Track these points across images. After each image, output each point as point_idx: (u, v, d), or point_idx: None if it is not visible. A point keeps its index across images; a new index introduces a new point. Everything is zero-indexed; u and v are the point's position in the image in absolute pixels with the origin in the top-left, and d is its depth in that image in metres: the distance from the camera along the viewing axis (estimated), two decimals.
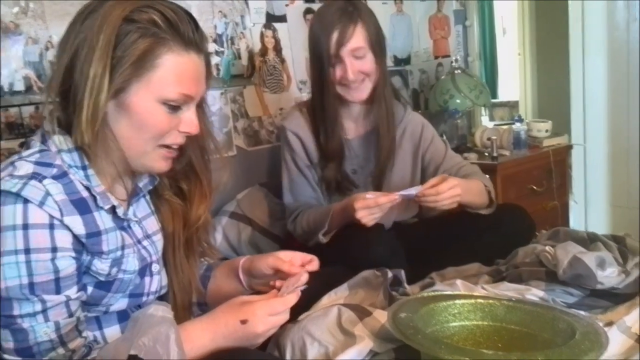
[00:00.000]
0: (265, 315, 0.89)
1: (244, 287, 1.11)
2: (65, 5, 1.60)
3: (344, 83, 1.52)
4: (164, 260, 1.05)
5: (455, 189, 1.37)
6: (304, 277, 0.98)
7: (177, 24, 0.87)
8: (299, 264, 1.04)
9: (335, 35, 1.46)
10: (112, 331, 0.93)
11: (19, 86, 1.56)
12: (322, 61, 1.49)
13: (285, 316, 0.92)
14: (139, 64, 0.84)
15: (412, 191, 1.35)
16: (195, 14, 1.79)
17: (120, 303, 0.93)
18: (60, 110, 0.88)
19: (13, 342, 0.80)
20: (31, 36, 1.57)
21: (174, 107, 0.89)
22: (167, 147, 0.92)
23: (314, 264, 1.05)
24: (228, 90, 1.99)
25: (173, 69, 0.87)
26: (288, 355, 1.02)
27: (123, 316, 0.95)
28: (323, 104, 1.55)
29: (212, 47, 1.91)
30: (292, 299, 0.92)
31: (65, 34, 0.87)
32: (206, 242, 1.09)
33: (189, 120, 0.92)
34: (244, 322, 0.87)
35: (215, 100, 1.94)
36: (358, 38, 1.48)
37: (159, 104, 0.88)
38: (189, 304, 1.07)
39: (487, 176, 1.61)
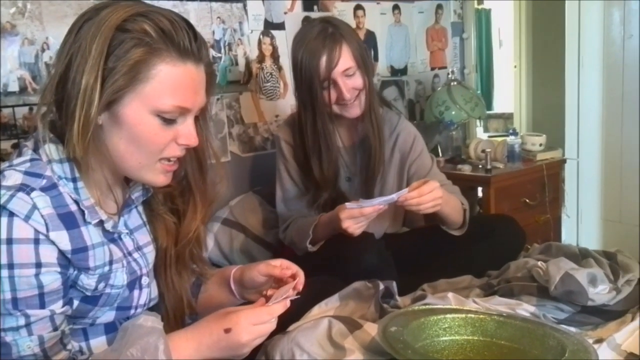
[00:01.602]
0: (249, 324, 0.87)
1: (235, 297, 1.10)
2: (63, 7, 1.60)
3: (340, 103, 1.53)
4: (155, 275, 1.04)
5: (437, 191, 1.37)
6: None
7: (171, 33, 0.83)
8: (290, 273, 1.03)
9: (324, 60, 1.48)
10: (98, 342, 0.92)
11: (14, 87, 1.56)
12: (312, 86, 1.50)
13: (271, 325, 0.90)
14: (131, 74, 0.82)
15: (394, 196, 1.35)
16: (193, 20, 1.79)
17: (107, 316, 0.92)
18: (56, 118, 0.86)
19: None
20: (27, 37, 1.56)
21: (168, 120, 0.86)
22: (167, 159, 0.90)
23: (299, 281, 1.01)
24: (224, 96, 1.99)
25: (167, 80, 0.84)
26: None
27: (110, 328, 0.93)
28: (315, 125, 1.55)
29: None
30: (278, 308, 0.90)
31: (62, 42, 0.85)
32: (199, 259, 1.07)
33: (186, 132, 0.89)
34: (227, 330, 0.86)
35: (211, 105, 1.93)
36: (346, 58, 1.49)
37: (153, 116, 0.85)
38: (181, 318, 1.06)
39: (466, 200, 1.61)
